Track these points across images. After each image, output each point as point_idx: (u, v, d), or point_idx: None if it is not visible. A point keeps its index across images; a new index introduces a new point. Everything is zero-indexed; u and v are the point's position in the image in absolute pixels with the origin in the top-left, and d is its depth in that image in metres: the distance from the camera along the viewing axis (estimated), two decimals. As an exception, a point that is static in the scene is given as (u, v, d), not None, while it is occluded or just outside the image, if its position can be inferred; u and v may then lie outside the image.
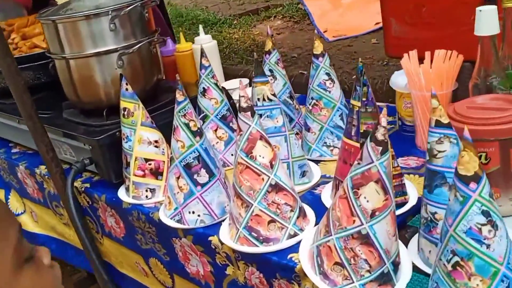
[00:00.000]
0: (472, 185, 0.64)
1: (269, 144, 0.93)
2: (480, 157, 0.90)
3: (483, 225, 0.64)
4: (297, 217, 0.94)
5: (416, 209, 0.96)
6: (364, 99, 0.92)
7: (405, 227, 0.93)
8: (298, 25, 4.67)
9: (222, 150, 1.24)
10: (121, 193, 1.23)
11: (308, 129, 1.21)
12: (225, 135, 1.25)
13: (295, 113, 1.32)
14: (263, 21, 4.96)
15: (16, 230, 0.56)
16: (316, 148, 1.20)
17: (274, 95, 1.09)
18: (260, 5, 5.36)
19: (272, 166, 0.92)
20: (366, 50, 3.74)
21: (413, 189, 1.01)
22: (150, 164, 1.17)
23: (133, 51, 1.28)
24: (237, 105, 1.44)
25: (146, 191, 1.18)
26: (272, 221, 0.92)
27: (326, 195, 1.04)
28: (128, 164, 1.18)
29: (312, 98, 1.19)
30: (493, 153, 0.87)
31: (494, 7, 0.96)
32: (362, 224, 0.76)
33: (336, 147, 1.18)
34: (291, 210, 0.94)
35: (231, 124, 1.25)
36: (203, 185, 1.04)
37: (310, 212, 1.00)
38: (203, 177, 1.04)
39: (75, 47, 1.29)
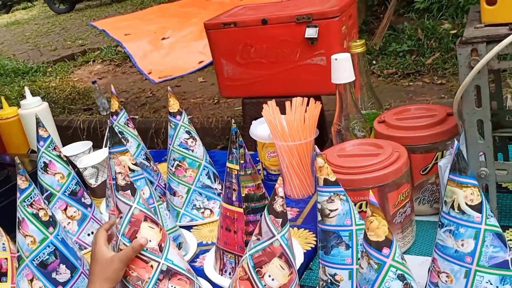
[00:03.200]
0: (385, 250, 0.62)
1: (156, 223, 0.80)
2: (360, 206, 0.91)
3: (400, 289, 0.62)
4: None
5: (303, 266, 0.93)
6: (242, 161, 0.86)
7: None
8: (120, 68, 4.49)
9: (75, 232, 1.07)
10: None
11: (173, 193, 1.11)
12: (78, 214, 1.08)
13: (154, 175, 1.20)
14: (81, 66, 4.67)
15: None
16: (185, 212, 1.10)
17: (136, 164, 0.97)
18: (75, 50, 5.06)
19: (161, 249, 0.79)
20: (195, 90, 3.74)
21: (296, 244, 0.97)
22: (-12, 266, 0.95)
23: None
24: (83, 174, 1.28)
25: (-14, 299, 0.95)
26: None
27: (209, 267, 0.95)
28: (-43, 270, 0.94)
29: (174, 159, 1.10)
30: (372, 200, 0.88)
31: (348, 55, 0.98)
32: (270, 305, 0.69)
33: (208, 209, 1.10)
34: (186, 297, 0.82)
35: (82, 200, 1.09)
36: (65, 284, 0.86)
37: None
38: (63, 274, 0.87)
39: None
